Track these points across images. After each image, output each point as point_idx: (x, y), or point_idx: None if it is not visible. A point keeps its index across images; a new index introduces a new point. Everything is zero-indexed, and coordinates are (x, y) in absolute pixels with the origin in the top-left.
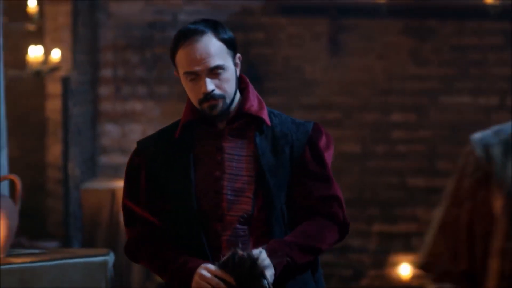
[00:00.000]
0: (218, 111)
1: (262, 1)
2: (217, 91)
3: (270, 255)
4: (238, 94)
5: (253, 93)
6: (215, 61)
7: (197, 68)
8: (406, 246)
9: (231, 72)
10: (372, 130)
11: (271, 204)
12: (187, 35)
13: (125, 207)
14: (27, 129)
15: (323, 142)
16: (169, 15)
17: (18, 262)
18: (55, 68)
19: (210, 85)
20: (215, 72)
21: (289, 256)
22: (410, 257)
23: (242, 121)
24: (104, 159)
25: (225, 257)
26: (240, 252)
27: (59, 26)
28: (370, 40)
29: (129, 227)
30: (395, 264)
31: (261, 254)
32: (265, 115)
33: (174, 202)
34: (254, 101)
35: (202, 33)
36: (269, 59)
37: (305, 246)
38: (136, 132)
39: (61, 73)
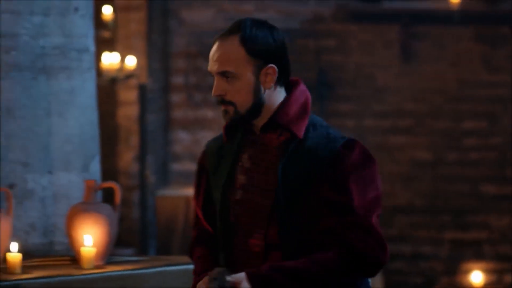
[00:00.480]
0: (229, 118)
1: (334, 8)
2: (226, 97)
3: (252, 280)
4: (274, 101)
5: (296, 101)
6: (223, 66)
7: (209, 68)
8: (478, 253)
9: (245, 82)
10: (444, 137)
11: (284, 223)
12: (220, 34)
13: (194, 209)
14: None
15: (353, 161)
16: None
17: (120, 269)
18: (130, 75)
19: (216, 89)
20: (225, 77)
21: (275, 284)
22: (482, 265)
23: (274, 130)
24: (176, 166)
25: (208, 278)
26: (218, 274)
27: (131, 34)
28: (442, 47)
29: (193, 228)
30: (467, 271)
31: (242, 281)
32: (297, 127)
33: (214, 209)
34: (291, 110)
35: (227, 35)
36: (341, 66)
37: (300, 276)
38: (208, 139)
39: (136, 80)
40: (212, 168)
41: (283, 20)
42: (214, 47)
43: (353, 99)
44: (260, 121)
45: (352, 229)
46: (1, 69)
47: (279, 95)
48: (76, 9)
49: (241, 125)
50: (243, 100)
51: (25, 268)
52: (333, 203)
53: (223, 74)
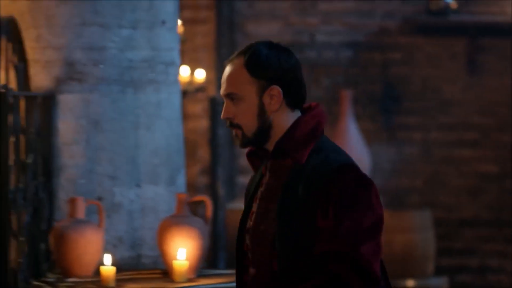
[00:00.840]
0: (239, 142)
1: (400, 21)
2: (234, 121)
3: None
4: (283, 125)
5: (303, 125)
6: (229, 88)
7: (220, 92)
8: None
9: (249, 104)
10: (510, 150)
11: (282, 252)
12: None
13: None
14: None
15: (345, 186)
16: (307, 35)
17: (212, 282)
18: (200, 88)
19: (224, 112)
20: (231, 99)
21: None
22: None
23: (282, 156)
24: (242, 180)
25: None
26: None
27: (198, 47)
28: (508, 60)
29: None
30: None
31: None
32: (300, 152)
33: None
34: (296, 135)
35: (235, 57)
36: (407, 79)
37: None
38: None
39: (205, 93)
40: (245, 196)
41: (348, 33)
42: (225, 71)
43: (419, 112)
44: (271, 146)
45: (336, 259)
46: (90, 82)
47: (289, 119)
48: (163, 22)
49: (258, 151)
50: (248, 123)
51: (118, 282)
52: (322, 230)
53: (229, 96)
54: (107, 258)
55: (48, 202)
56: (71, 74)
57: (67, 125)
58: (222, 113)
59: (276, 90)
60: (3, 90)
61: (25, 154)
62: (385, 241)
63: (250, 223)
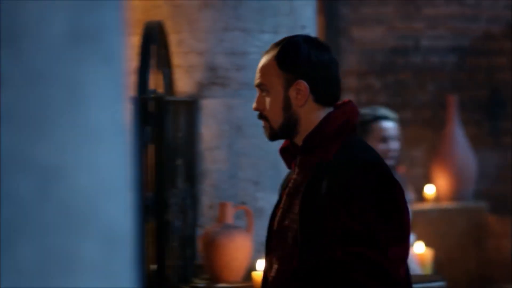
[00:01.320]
0: (267, 135)
1: (505, 26)
2: (263, 113)
3: None
4: (311, 121)
5: (332, 122)
6: (259, 79)
7: (254, 83)
8: None
9: (275, 96)
10: None
11: (302, 251)
12: None
13: None
14: None
15: (369, 185)
16: (411, 40)
17: None
18: None
19: (255, 102)
20: (261, 90)
21: None
22: None
23: (309, 152)
24: None
25: None
26: None
27: None
28: None
29: None
30: None
31: None
32: (326, 149)
33: None
34: (324, 131)
35: (270, 49)
36: None
37: None
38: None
39: None
40: (279, 192)
41: (453, 38)
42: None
43: None
44: (300, 142)
45: (358, 262)
46: (232, 87)
47: (318, 115)
48: (303, 27)
49: (289, 146)
50: (274, 116)
51: None
52: (346, 230)
53: (259, 87)
54: (260, 264)
55: (192, 207)
56: (213, 79)
57: (209, 130)
58: (254, 104)
59: (303, 85)
60: (153, 95)
61: (173, 160)
62: (493, 246)
63: (276, 221)
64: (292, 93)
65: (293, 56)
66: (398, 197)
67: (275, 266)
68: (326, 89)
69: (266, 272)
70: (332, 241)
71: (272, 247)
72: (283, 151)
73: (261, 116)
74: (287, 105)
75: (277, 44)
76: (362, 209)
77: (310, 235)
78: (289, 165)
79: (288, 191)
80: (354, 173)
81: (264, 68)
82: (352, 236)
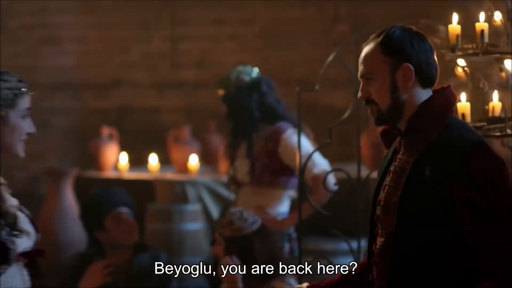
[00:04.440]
0: (375, 118)
1: None
2: (369, 98)
3: None
4: (415, 103)
5: (435, 103)
6: (364, 69)
7: (358, 75)
8: None
9: (382, 81)
10: None
11: (402, 220)
12: None
13: None
14: None
15: (479, 171)
16: None
17: None
18: None
19: (361, 92)
20: (366, 79)
21: None
22: None
23: (414, 132)
24: None
25: None
26: None
27: None
28: None
29: None
30: None
31: None
32: (430, 129)
33: None
34: (427, 113)
35: (370, 40)
36: None
37: None
38: None
39: None
40: (378, 173)
41: None
42: (362, 52)
43: None
44: (403, 123)
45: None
46: None
47: (422, 96)
48: None
49: (392, 129)
50: (382, 98)
51: None
52: (467, 201)
53: (365, 77)
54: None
55: None
56: None
57: None
58: (359, 94)
59: (408, 67)
60: None
61: None
62: None
63: (382, 195)
64: (399, 76)
65: (397, 41)
66: (507, 175)
67: (381, 240)
68: (428, 71)
69: (369, 245)
70: (436, 214)
71: (376, 222)
72: (384, 134)
73: (368, 102)
74: (394, 88)
75: (377, 35)
76: (481, 188)
77: (411, 208)
78: (387, 147)
79: (394, 169)
80: (466, 153)
81: (368, 57)
82: (480, 213)
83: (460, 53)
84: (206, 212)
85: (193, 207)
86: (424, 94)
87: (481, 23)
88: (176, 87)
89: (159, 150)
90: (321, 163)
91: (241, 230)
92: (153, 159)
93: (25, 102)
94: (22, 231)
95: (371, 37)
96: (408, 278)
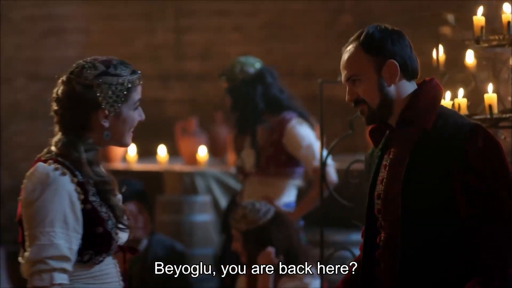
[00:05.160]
0: (366, 117)
1: None
2: (358, 98)
3: None
4: (402, 97)
5: (425, 95)
6: (348, 72)
7: (342, 76)
8: None
9: (369, 81)
10: None
11: (407, 212)
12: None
13: None
14: None
15: (477, 153)
16: None
17: None
18: None
19: (348, 95)
20: (352, 81)
21: None
22: None
23: (406, 125)
24: None
25: None
26: None
27: None
28: None
29: None
30: None
31: None
32: (425, 119)
33: None
34: (419, 104)
35: (349, 44)
36: None
37: None
38: None
39: None
40: (365, 171)
41: None
42: (342, 58)
43: None
44: (394, 119)
45: (485, 249)
46: None
47: (407, 90)
48: None
49: (381, 126)
50: (372, 98)
51: None
52: (471, 189)
53: (350, 79)
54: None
55: None
56: None
57: None
58: (347, 97)
59: (393, 63)
60: None
61: None
62: None
63: (381, 188)
64: (385, 73)
65: (378, 39)
66: (504, 156)
67: (386, 232)
68: (411, 65)
69: (373, 238)
70: (440, 199)
71: (380, 215)
72: (372, 132)
73: (358, 102)
74: (381, 85)
75: (355, 38)
76: (478, 169)
77: (414, 195)
78: (376, 145)
79: (390, 162)
80: (463, 136)
81: (351, 59)
82: (477, 194)
83: (485, 45)
84: (215, 203)
85: (203, 198)
86: (410, 88)
87: (507, 15)
88: (180, 78)
89: (165, 142)
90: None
91: (256, 221)
92: (162, 151)
93: (137, 94)
94: (125, 225)
95: (349, 42)
96: (417, 269)
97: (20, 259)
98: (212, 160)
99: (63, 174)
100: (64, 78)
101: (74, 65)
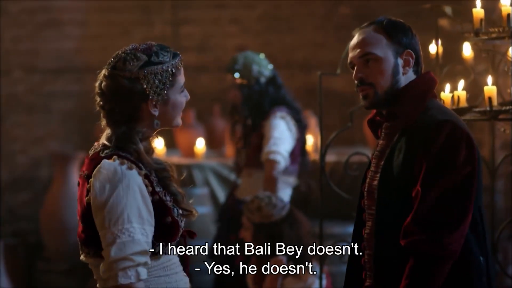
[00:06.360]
0: (369, 102)
1: None
2: (367, 79)
3: None
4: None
5: (413, 88)
6: (366, 49)
7: (350, 58)
8: None
9: (386, 63)
10: None
11: (380, 205)
12: (359, 27)
13: None
14: None
15: (438, 146)
16: None
17: None
18: None
19: (357, 72)
20: (366, 60)
21: None
22: None
23: (394, 116)
24: None
25: None
26: None
27: None
28: None
29: None
30: None
31: None
32: (408, 112)
33: None
34: (406, 97)
35: (367, 25)
36: None
37: None
38: None
39: None
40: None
41: None
42: (354, 38)
43: None
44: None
45: (414, 227)
46: None
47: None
48: None
49: (376, 116)
50: (382, 81)
51: None
52: (426, 169)
53: (365, 57)
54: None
55: None
56: None
57: None
58: (355, 74)
59: (411, 54)
60: None
61: None
62: None
63: (366, 182)
64: (401, 61)
65: (401, 28)
66: (467, 154)
67: (369, 224)
68: (420, 60)
69: (360, 229)
70: (407, 199)
71: (365, 206)
72: (370, 124)
73: (363, 83)
74: (395, 72)
75: (374, 22)
76: (438, 156)
77: (387, 190)
78: (376, 136)
79: (375, 154)
80: (430, 129)
81: (371, 40)
82: (429, 178)
83: (485, 37)
84: (213, 195)
85: (201, 190)
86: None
87: (507, 7)
88: None
89: (162, 134)
90: (280, 150)
91: (271, 216)
92: (159, 143)
93: (182, 77)
94: (187, 210)
95: (365, 24)
96: (390, 258)
97: (82, 257)
98: (209, 152)
99: (130, 168)
100: (106, 72)
101: (113, 57)
